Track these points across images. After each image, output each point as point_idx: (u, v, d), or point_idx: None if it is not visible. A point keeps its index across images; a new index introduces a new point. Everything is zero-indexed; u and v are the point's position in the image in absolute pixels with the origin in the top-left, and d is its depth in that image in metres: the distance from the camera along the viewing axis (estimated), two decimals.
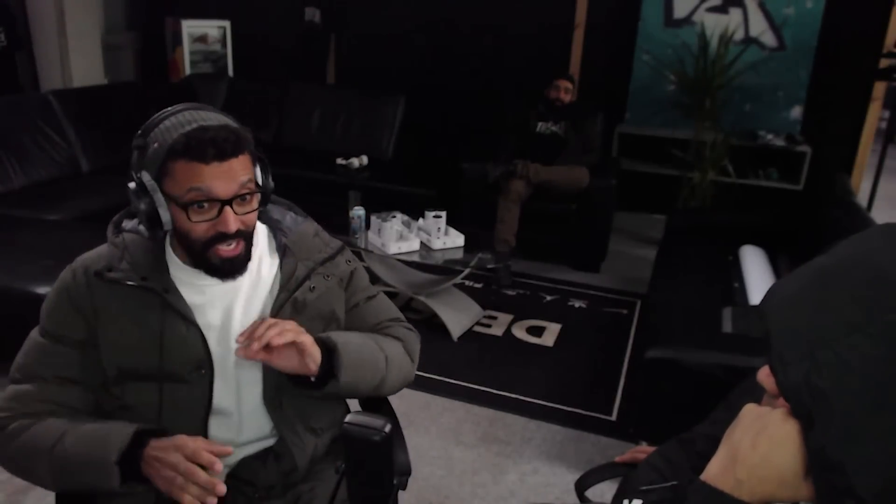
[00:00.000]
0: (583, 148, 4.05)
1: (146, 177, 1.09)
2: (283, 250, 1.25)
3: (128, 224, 1.22)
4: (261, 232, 1.26)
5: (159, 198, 1.09)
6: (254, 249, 1.21)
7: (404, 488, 1.25)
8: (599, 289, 3.81)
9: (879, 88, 4.34)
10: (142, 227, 1.20)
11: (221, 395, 1.18)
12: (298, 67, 5.33)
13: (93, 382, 1.16)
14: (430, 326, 3.13)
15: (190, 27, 5.26)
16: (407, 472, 1.31)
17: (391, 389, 1.32)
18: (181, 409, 1.15)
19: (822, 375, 0.63)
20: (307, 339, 1.12)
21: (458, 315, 3.22)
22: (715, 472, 0.70)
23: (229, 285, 1.19)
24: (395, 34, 5.14)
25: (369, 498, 0.98)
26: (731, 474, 0.69)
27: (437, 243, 3.20)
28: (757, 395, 0.74)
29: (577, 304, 3.60)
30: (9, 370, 1.17)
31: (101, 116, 4.22)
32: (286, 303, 1.21)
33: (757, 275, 2.89)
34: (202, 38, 5.34)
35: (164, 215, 1.10)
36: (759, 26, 4.45)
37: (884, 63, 4.11)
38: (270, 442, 1.25)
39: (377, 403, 1.45)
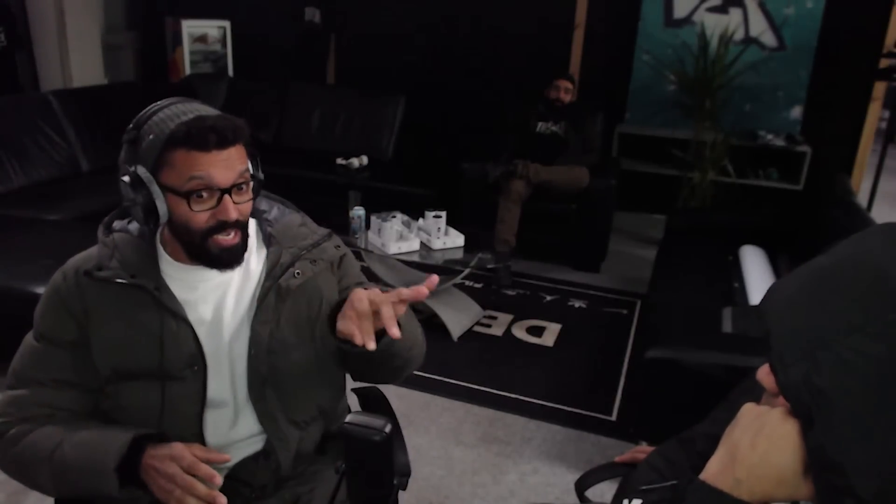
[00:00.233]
0: (583, 148, 4.05)
1: (141, 169, 1.09)
2: (268, 240, 1.25)
3: (118, 224, 1.23)
4: (250, 225, 1.25)
5: (156, 189, 1.09)
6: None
7: (404, 488, 1.25)
8: (599, 289, 3.81)
9: (879, 88, 4.34)
10: (132, 227, 1.21)
11: (216, 388, 1.18)
12: (298, 67, 5.33)
13: (89, 384, 1.16)
14: (430, 326, 3.14)
15: (190, 27, 5.26)
16: (407, 472, 1.31)
17: (418, 356, 1.28)
18: (176, 407, 1.15)
19: (822, 375, 0.63)
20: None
21: (458, 315, 3.22)
22: (714, 472, 0.70)
23: (220, 279, 1.19)
24: (395, 34, 5.14)
25: (369, 498, 0.98)
26: (730, 473, 0.69)
27: (437, 243, 3.20)
28: (757, 394, 0.74)
29: (577, 304, 3.60)
30: (8, 370, 1.17)
31: (101, 116, 4.22)
32: (270, 291, 1.20)
33: (757, 275, 2.89)
34: (202, 38, 5.34)
35: (161, 207, 1.10)
36: (759, 26, 4.45)
37: (884, 63, 4.11)
38: (264, 438, 1.25)
39: (377, 403, 1.45)
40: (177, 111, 1.09)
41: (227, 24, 5.37)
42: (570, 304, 3.61)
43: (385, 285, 1.27)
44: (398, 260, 3.24)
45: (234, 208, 1.11)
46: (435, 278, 1.07)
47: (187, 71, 5.26)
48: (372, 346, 1.02)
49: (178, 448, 1.07)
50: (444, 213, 3.23)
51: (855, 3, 4.27)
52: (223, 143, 1.07)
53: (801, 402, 0.65)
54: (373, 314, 1.04)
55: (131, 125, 1.12)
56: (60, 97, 4.11)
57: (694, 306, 2.60)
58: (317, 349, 1.25)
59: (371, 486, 0.97)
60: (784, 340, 0.67)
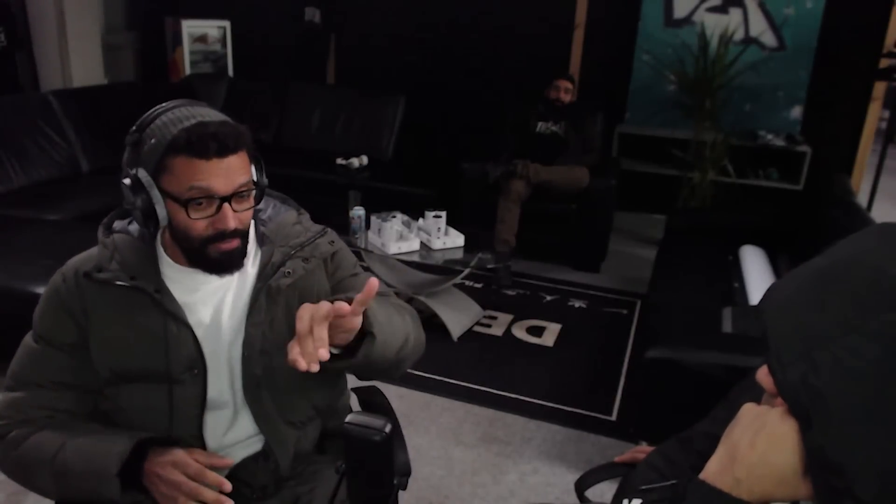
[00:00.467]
0: (583, 148, 4.05)
1: (142, 173, 1.08)
2: (261, 239, 1.24)
3: (118, 225, 1.22)
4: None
5: (156, 194, 1.08)
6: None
7: (404, 488, 1.25)
8: (599, 289, 3.81)
9: (879, 88, 4.34)
10: (132, 228, 1.20)
11: (216, 390, 1.18)
12: (298, 67, 5.33)
13: (89, 385, 1.15)
14: (430, 326, 3.13)
15: (190, 27, 5.26)
16: (407, 472, 1.30)
17: (414, 352, 1.26)
18: (175, 409, 1.15)
19: (820, 375, 0.63)
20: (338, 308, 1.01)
21: (458, 315, 3.22)
22: (714, 471, 0.70)
23: (220, 282, 1.18)
24: (395, 34, 5.14)
25: (369, 498, 0.98)
26: (729, 473, 0.69)
27: (437, 243, 3.20)
28: (756, 393, 0.74)
29: (577, 304, 3.60)
30: (8, 370, 1.18)
31: (101, 116, 4.22)
32: (261, 291, 1.19)
33: (757, 275, 2.89)
34: (202, 38, 5.34)
35: (161, 212, 1.09)
36: (759, 26, 4.45)
37: (884, 63, 4.11)
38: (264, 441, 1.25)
39: (377, 403, 1.45)
40: (179, 115, 1.08)
41: (227, 24, 5.38)
42: (570, 304, 3.61)
43: (386, 285, 1.26)
44: (398, 260, 3.24)
45: (234, 217, 1.10)
46: (374, 283, 1.02)
47: (187, 71, 5.26)
48: (315, 367, 0.97)
49: (180, 455, 1.07)
50: (444, 213, 3.23)
51: (855, 3, 4.27)
52: (224, 151, 1.06)
53: (798, 402, 0.65)
54: (338, 324, 1.01)
55: (134, 127, 1.11)
56: (60, 97, 4.11)
57: (694, 306, 2.60)
58: None
59: (371, 486, 0.97)
60: (782, 341, 0.67)
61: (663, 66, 4.57)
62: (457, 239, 3.25)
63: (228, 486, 1.05)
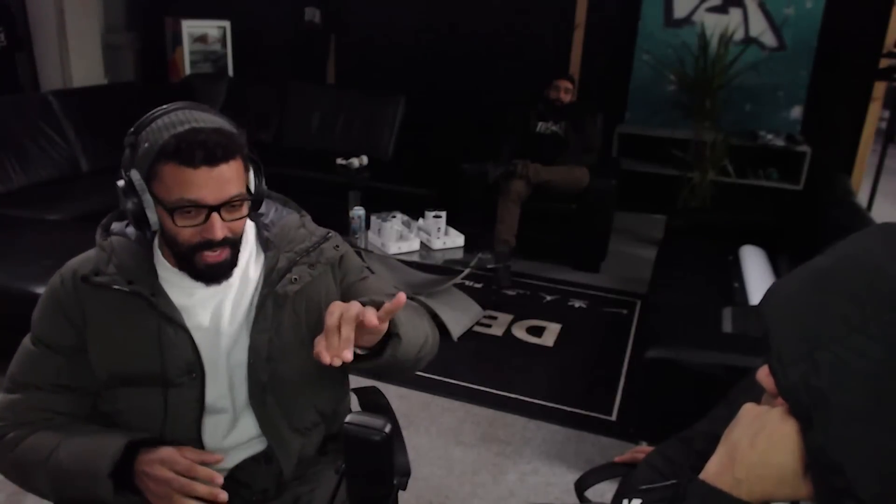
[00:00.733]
0: (583, 148, 4.05)
1: (136, 176, 1.07)
2: (265, 244, 1.23)
3: (116, 227, 1.21)
4: (248, 229, 1.23)
5: (147, 199, 1.07)
6: (242, 250, 1.19)
7: (404, 488, 1.25)
8: (599, 289, 3.81)
9: (879, 88, 4.34)
10: (129, 230, 1.19)
11: (214, 394, 1.18)
12: (298, 67, 5.33)
13: (87, 387, 1.15)
14: None
15: (190, 27, 5.26)
16: (407, 472, 1.30)
17: (431, 352, 1.26)
18: (173, 413, 1.14)
19: (821, 376, 0.63)
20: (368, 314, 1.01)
21: (458, 315, 3.22)
22: (714, 471, 0.70)
23: (219, 286, 1.17)
24: (395, 34, 5.14)
25: (369, 498, 0.98)
26: (729, 473, 0.69)
27: (437, 243, 3.20)
28: (756, 392, 0.74)
29: (577, 304, 3.60)
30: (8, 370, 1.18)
31: (101, 116, 4.22)
32: (267, 298, 1.18)
33: (757, 275, 2.89)
34: (202, 38, 5.34)
35: (152, 217, 1.08)
36: (759, 26, 4.45)
37: (884, 63, 4.11)
38: (265, 441, 1.24)
39: (377, 403, 1.45)
40: (174, 120, 1.06)
41: (227, 24, 5.37)
42: (570, 304, 3.61)
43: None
44: (398, 260, 3.24)
45: (222, 227, 1.08)
46: (402, 297, 1.02)
47: (187, 71, 5.26)
48: (338, 362, 0.97)
49: (168, 452, 1.07)
50: (444, 213, 3.22)
51: (855, 3, 4.27)
52: (212, 160, 1.04)
53: (799, 402, 0.65)
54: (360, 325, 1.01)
55: (133, 129, 1.10)
56: (60, 97, 4.11)
57: (694, 306, 2.60)
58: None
59: (371, 486, 0.97)
60: (782, 341, 0.67)
61: (663, 66, 4.57)
62: (457, 239, 3.25)
63: (220, 479, 1.04)
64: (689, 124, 4.40)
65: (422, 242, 3.22)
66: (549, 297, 3.66)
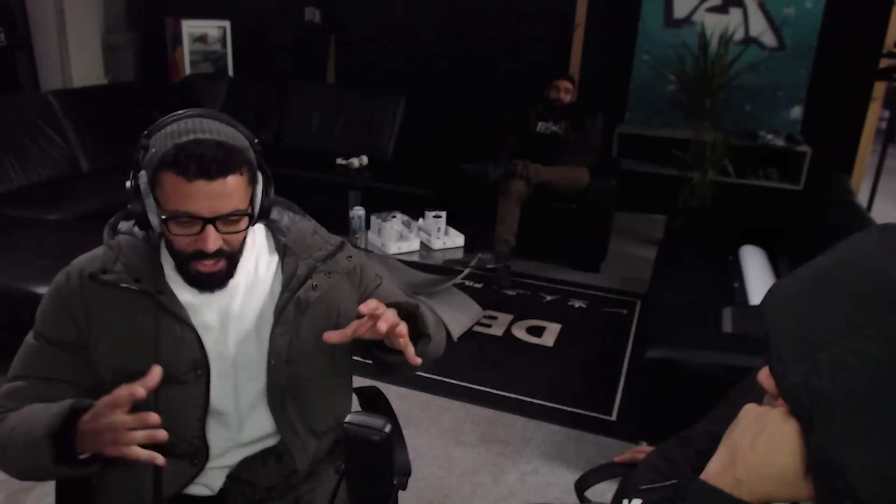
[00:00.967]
0: (583, 148, 4.05)
1: (143, 179, 1.09)
2: (283, 249, 1.24)
3: (123, 226, 1.22)
4: (258, 231, 1.25)
5: (150, 203, 1.09)
6: (250, 249, 1.20)
7: (404, 488, 1.25)
8: (599, 289, 3.81)
9: (879, 88, 4.34)
10: (136, 229, 1.20)
11: (219, 395, 1.18)
12: (298, 67, 5.33)
13: (83, 384, 1.15)
14: None
15: (190, 27, 5.26)
16: (407, 472, 1.31)
17: (442, 348, 1.33)
18: (177, 411, 1.15)
19: (822, 377, 0.63)
20: (402, 327, 1.10)
21: (458, 315, 3.22)
22: (714, 472, 0.70)
23: (225, 287, 1.18)
24: (395, 34, 5.14)
25: (369, 498, 0.98)
26: (730, 474, 0.69)
27: (437, 243, 3.20)
28: (757, 392, 0.74)
29: (577, 304, 3.60)
30: (8, 369, 1.18)
31: (101, 116, 4.22)
32: (289, 302, 1.20)
33: (757, 275, 2.89)
34: (202, 38, 5.34)
35: (154, 220, 1.10)
36: (759, 26, 4.45)
37: (884, 63, 4.11)
38: (272, 441, 1.25)
39: (377, 403, 1.45)
40: (181, 128, 1.07)
41: (227, 24, 5.37)
42: (570, 304, 3.61)
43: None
44: (398, 260, 3.24)
45: (216, 238, 1.08)
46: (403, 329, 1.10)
47: (187, 71, 5.26)
48: (419, 360, 1.11)
49: (102, 400, 1.02)
50: (444, 213, 3.23)
51: (855, 3, 4.27)
52: (207, 174, 1.04)
53: (800, 403, 0.65)
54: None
55: (146, 131, 1.11)
56: (60, 97, 4.11)
57: (694, 306, 2.60)
58: (334, 360, 1.26)
59: (371, 486, 0.97)
60: (783, 342, 0.67)
61: (663, 66, 4.57)
62: (457, 239, 3.25)
63: (155, 418, 0.99)
64: (689, 124, 4.40)
65: (422, 242, 3.22)
66: (549, 297, 3.66)
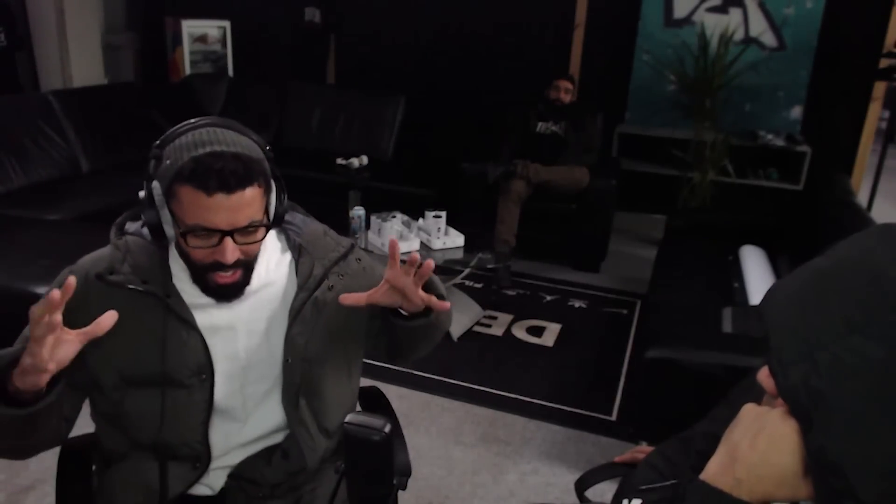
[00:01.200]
0: (583, 148, 4.05)
1: (157, 190, 1.08)
2: (297, 250, 1.24)
3: (131, 227, 1.21)
4: (270, 234, 1.24)
5: (166, 214, 1.08)
6: (262, 252, 1.20)
7: (404, 488, 1.25)
8: (599, 289, 3.81)
9: (879, 88, 4.34)
10: (145, 230, 1.19)
11: (225, 396, 1.18)
12: (298, 67, 5.33)
13: (76, 382, 1.13)
14: None
15: (190, 27, 5.26)
16: (407, 472, 1.31)
17: (449, 323, 1.35)
18: (181, 414, 1.15)
19: (821, 377, 0.63)
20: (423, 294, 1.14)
21: (458, 315, 3.22)
22: (714, 472, 0.70)
23: None
24: (395, 34, 5.14)
25: (369, 498, 0.98)
26: (730, 473, 0.69)
27: (437, 243, 3.20)
28: (757, 393, 0.74)
29: (577, 304, 3.60)
30: None
31: (101, 116, 4.22)
32: (307, 302, 1.20)
33: (757, 275, 2.89)
34: (202, 38, 5.34)
35: (169, 231, 1.10)
36: (759, 26, 4.45)
37: (884, 63, 4.11)
38: (275, 439, 1.25)
39: (377, 403, 1.45)
40: (197, 140, 1.06)
41: (227, 24, 5.37)
42: (570, 304, 3.61)
43: None
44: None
45: (234, 250, 1.08)
46: (431, 262, 1.11)
47: (187, 71, 5.26)
48: (446, 304, 1.13)
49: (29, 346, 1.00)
50: (444, 213, 3.23)
51: (855, 3, 4.27)
52: (226, 188, 1.03)
53: (800, 403, 0.65)
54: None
55: (159, 141, 1.10)
56: (60, 97, 4.11)
57: (694, 306, 2.60)
58: (346, 360, 1.27)
59: (371, 486, 0.97)
60: (783, 342, 0.67)
61: (663, 66, 4.57)
62: (457, 239, 3.25)
63: (56, 296, 0.95)
64: (689, 124, 4.40)
65: (422, 242, 3.22)
66: (549, 297, 3.66)
